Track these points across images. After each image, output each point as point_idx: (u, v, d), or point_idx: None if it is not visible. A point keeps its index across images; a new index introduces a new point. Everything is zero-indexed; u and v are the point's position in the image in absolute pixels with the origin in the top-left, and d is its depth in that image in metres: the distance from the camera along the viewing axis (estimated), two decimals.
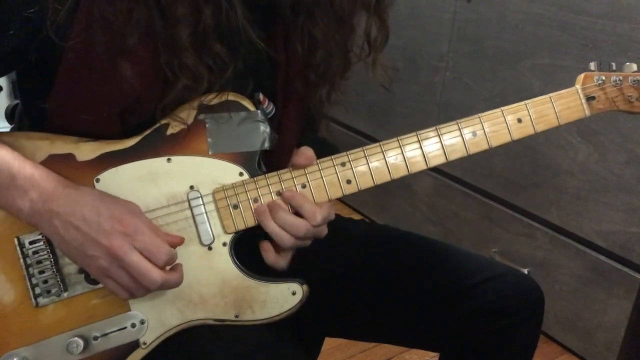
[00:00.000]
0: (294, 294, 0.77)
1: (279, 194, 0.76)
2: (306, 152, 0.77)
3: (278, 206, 0.75)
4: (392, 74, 0.84)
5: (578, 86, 0.85)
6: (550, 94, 0.83)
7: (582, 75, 0.85)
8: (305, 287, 0.77)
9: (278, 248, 0.77)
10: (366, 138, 2.27)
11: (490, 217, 1.83)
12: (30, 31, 0.66)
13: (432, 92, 1.93)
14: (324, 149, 0.82)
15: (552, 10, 1.54)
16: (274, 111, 0.80)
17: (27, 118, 0.82)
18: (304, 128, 0.89)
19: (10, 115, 0.88)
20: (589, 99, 0.84)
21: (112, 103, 0.71)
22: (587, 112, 0.84)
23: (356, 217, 2.29)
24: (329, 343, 1.15)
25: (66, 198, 0.67)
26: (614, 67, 0.86)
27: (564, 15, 1.51)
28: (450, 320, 0.90)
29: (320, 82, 0.81)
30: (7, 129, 0.86)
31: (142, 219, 0.70)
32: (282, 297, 0.76)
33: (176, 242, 0.73)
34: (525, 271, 1.71)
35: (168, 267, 0.71)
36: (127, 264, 0.67)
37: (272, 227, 0.75)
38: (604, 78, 0.84)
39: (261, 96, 0.78)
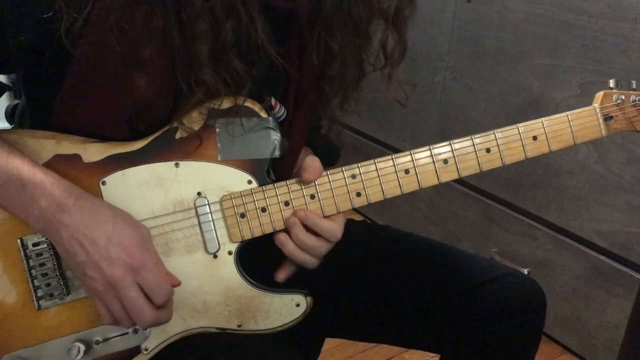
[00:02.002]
0: (297, 305, 0.76)
1: (287, 204, 0.75)
2: (313, 165, 0.76)
3: (298, 228, 0.75)
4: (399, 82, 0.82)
5: (596, 105, 0.82)
6: (567, 112, 0.80)
7: (600, 93, 0.82)
8: (309, 299, 0.76)
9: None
10: (366, 137, 2.27)
11: (490, 217, 1.83)
12: (42, 35, 0.65)
13: (432, 92, 1.93)
14: (327, 149, 0.81)
15: (552, 10, 1.54)
16: (284, 115, 0.79)
17: (30, 115, 0.80)
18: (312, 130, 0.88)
19: (10, 115, 0.88)
20: (607, 118, 0.81)
21: (121, 109, 0.70)
22: (604, 133, 0.81)
23: (357, 217, 2.28)
24: (329, 343, 1.15)
25: (77, 212, 0.66)
26: (634, 86, 0.83)
27: (564, 15, 1.51)
28: (451, 321, 0.90)
29: (334, 93, 0.80)
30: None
31: (150, 251, 0.69)
32: (285, 309, 0.76)
33: (175, 284, 0.72)
34: (525, 271, 1.71)
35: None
36: (124, 296, 0.66)
37: (297, 254, 0.75)
38: (623, 97, 0.81)
39: (273, 100, 0.77)
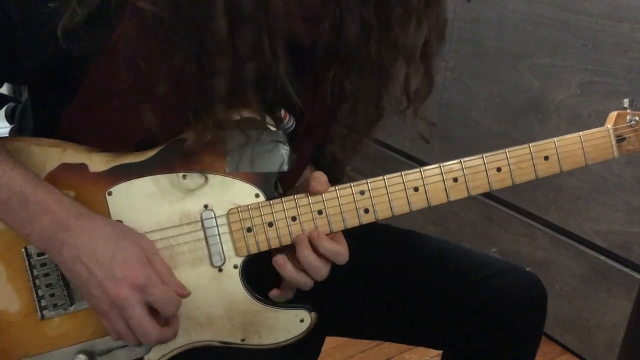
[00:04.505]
0: (302, 321, 0.75)
1: (294, 219, 0.74)
2: (321, 178, 0.74)
3: (305, 244, 0.73)
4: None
5: (609, 126, 0.80)
6: (580, 133, 0.79)
7: (614, 114, 0.81)
8: (313, 314, 0.76)
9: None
10: None
11: (490, 217, 1.83)
12: (58, 53, 0.63)
13: (432, 92, 1.92)
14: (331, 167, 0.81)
15: (552, 10, 1.54)
16: (293, 126, 0.78)
17: (33, 118, 0.80)
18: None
19: (10, 115, 0.88)
20: (619, 139, 0.80)
21: (130, 130, 0.69)
22: (616, 154, 0.80)
23: None
24: (329, 343, 1.15)
25: (79, 231, 0.65)
26: None
27: (564, 15, 1.51)
28: (453, 317, 0.90)
29: (345, 133, 0.78)
30: (7, 129, 0.86)
31: (154, 264, 0.68)
32: (290, 324, 0.75)
33: (184, 294, 0.70)
34: None
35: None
36: (129, 316, 0.66)
37: (294, 277, 0.73)
38: (637, 119, 0.80)
39: (282, 112, 0.76)
